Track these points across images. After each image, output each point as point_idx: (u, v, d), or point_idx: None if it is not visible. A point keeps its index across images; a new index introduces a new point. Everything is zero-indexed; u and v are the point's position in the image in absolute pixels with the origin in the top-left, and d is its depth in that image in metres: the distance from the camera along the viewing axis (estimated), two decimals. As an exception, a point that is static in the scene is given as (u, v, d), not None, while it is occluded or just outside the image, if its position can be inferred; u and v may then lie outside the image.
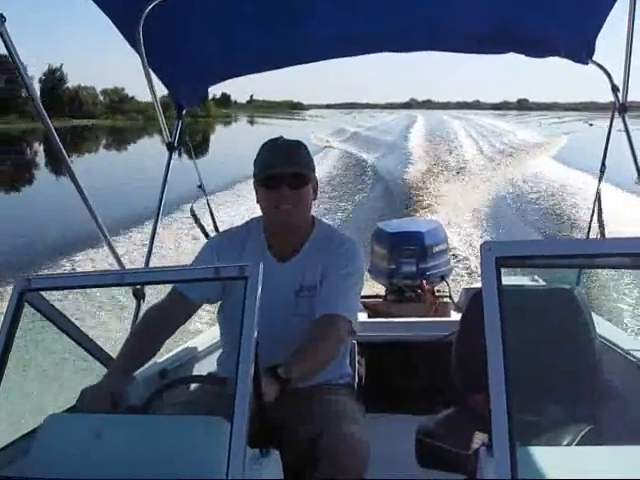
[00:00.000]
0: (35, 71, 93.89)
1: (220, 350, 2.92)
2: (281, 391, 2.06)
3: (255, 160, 2.62)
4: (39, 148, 45.37)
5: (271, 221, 2.66)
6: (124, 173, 29.13)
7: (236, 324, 1.67)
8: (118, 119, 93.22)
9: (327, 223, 2.86)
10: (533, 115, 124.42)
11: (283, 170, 2.53)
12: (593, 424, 2.37)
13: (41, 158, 38.82)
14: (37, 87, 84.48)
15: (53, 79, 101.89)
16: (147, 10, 3.15)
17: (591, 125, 70.93)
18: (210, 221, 4.14)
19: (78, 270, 10.68)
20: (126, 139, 60.07)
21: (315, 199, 2.67)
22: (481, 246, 1.55)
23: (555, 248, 1.66)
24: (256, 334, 1.61)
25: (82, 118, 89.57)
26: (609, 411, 2.52)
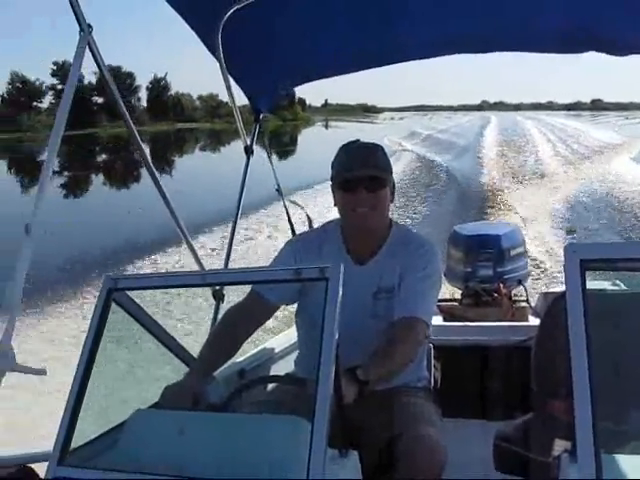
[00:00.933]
0: (142, 80, 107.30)
1: (297, 351, 2.95)
2: (359, 393, 2.07)
3: (333, 163, 2.64)
4: (146, 149, 50.04)
5: (348, 224, 2.67)
6: (214, 173, 30.49)
7: (314, 326, 1.69)
8: (216, 122, 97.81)
9: (405, 226, 2.86)
10: (609, 116, 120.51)
11: (360, 173, 2.53)
12: None
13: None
14: (144, 94, 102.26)
15: (159, 87, 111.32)
16: (226, 16, 3.19)
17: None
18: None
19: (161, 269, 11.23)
20: (221, 140, 63.82)
21: (392, 202, 2.67)
22: (565, 248, 1.52)
23: None
24: (337, 336, 1.62)
25: (185, 122, 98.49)
26: None
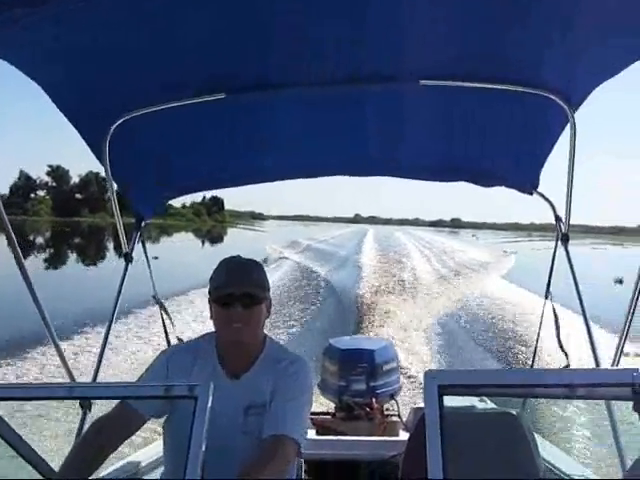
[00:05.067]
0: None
1: (163, 467, 2.85)
2: None
3: (211, 277, 2.65)
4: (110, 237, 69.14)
5: (223, 338, 2.68)
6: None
7: (182, 441, 1.65)
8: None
9: (278, 342, 2.87)
10: (463, 232, 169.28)
11: (236, 289, 2.56)
12: None
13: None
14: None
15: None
16: (115, 125, 3.21)
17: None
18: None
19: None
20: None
21: (268, 317, 2.70)
22: (425, 374, 1.58)
23: (498, 378, 1.69)
24: (202, 456, 1.60)
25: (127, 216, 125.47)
26: None
